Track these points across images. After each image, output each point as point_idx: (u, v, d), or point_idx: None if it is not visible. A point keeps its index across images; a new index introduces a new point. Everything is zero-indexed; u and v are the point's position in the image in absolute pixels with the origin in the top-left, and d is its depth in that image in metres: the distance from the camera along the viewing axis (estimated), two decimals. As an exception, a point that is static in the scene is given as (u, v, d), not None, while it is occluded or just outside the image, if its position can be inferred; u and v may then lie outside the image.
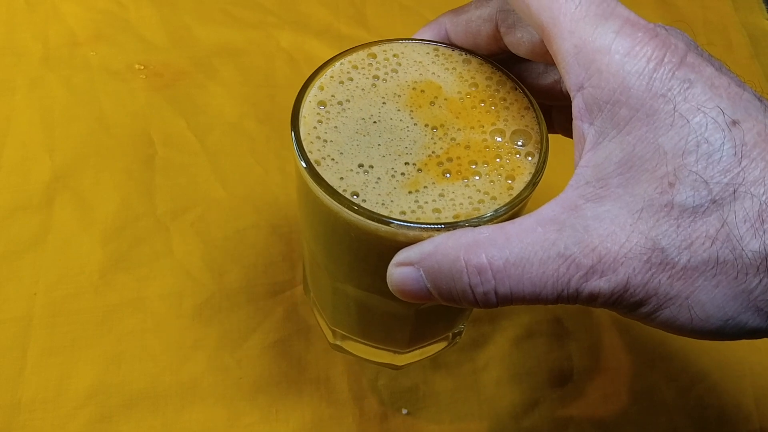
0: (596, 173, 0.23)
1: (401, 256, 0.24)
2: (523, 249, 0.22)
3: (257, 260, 0.42)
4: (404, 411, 0.38)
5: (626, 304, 0.22)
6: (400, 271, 0.24)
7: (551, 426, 0.38)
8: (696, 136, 0.21)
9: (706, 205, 0.21)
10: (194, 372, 0.38)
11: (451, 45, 0.30)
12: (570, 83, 0.23)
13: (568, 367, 0.39)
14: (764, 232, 0.21)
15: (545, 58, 0.26)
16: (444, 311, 0.31)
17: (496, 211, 0.25)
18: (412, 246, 0.24)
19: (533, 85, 0.29)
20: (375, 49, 0.29)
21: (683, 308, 0.22)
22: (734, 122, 0.22)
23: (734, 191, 0.21)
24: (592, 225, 0.22)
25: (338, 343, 0.36)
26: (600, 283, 0.22)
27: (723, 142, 0.21)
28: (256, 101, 0.49)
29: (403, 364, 0.36)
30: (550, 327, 0.41)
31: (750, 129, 0.22)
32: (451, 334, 0.36)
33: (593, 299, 0.22)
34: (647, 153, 0.22)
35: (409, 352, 0.35)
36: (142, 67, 0.50)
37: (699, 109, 0.22)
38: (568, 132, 0.30)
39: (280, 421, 0.37)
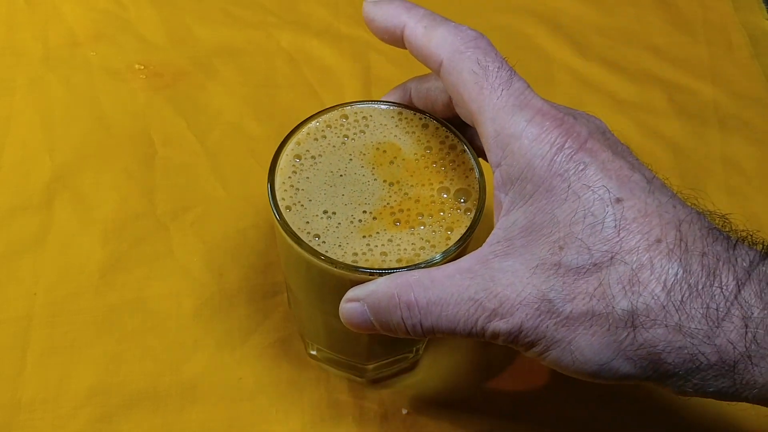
0: (505, 234, 0.27)
1: (350, 294, 0.29)
2: (443, 291, 0.27)
3: (257, 260, 0.42)
4: (404, 411, 0.38)
5: (521, 343, 0.27)
6: (349, 306, 0.29)
7: (551, 426, 0.38)
8: (584, 210, 0.26)
9: (587, 266, 0.26)
10: (194, 372, 0.38)
11: (414, 108, 0.34)
12: (491, 161, 0.28)
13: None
14: (633, 294, 0.25)
15: None
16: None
17: (430, 260, 0.29)
18: (359, 285, 0.29)
19: (479, 145, 0.32)
20: (347, 110, 0.34)
21: (566, 351, 0.26)
22: (618, 200, 0.26)
23: (611, 257, 0.25)
24: (497, 276, 0.27)
25: (313, 352, 0.38)
26: (500, 324, 0.26)
27: (605, 216, 0.26)
28: (256, 101, 0.49)
29: (367, 378, 0.38)
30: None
31: (631, 206, 0.26)
32: (407, 356, 0.38)
33: (495, 337, 0.27)
34: (545, 221, 0.26)
35: (372, 365, 0.37)
36: (142, 67, 0.50)
37: (589, 187, 0.26)
38: None
39: (280, 421, 0.37)
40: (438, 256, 0.30)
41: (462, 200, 0.32)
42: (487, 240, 0.28)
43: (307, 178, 0.32)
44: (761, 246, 0.27)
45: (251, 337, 0.39)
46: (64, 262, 0.41)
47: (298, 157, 0.32)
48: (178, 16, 0.53)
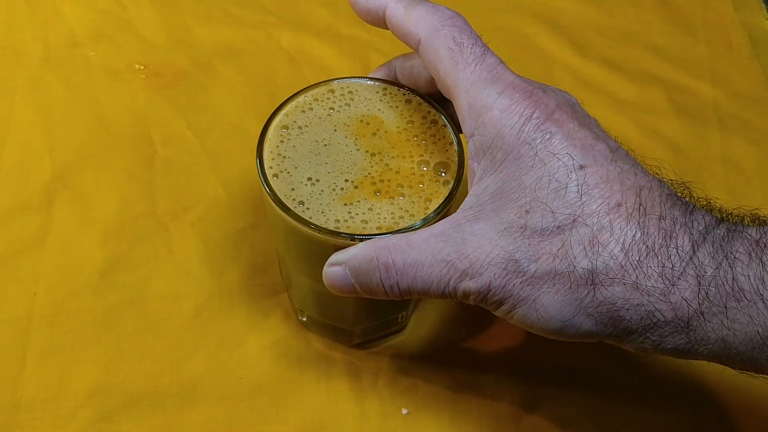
0: (477, 200, 0.29)
1: (332, 258, 0.31)
2: (418, 253, 0.29)
3: (257, 260, 0.42)
4: (404, 411, 0.38)
5: (490, 302, 0.28)
6: (331, 270, 0.31)
7: (551, 426, 0.38)
8: (549, 176, 0.28)
9: (551, 229, 0.27)
10: (194, 372, 0.38)
11: (398, 84, 0.35)
12: (465, 131, 0.30)
13: (569, 367, 0.39)
14: (593, 254, 0.27)
15: None
16: (380, 303, 0.36)
17: (410, 226, 0.31)
18: (341, 251, 0.30)
19: (458, 120, 0.34)
20: (334, 85, 0.35)
21: (531, 309, 0.28)
22: (581, 166, 0.28)
23: (573, 220, 0.27)
24: (468, 239, 0.28)
25: (303, 319, 0.40)
26: (470, 284, 0.28)
27: (568, 181, 0.27)
28: (256, 101, 0.49)
29: (354, 342, 0.39)
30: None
31: (594, 173, 0.27)
32: (394, 318, 0.39)
33: (466, 296, 0.29)
34: (513, 187, 0.28)
35: (359, 329, 0.38)
36: (142, 67, 0.50)
37: (554, 155, 0.28)
38: None
39: (280, 421, 0.37)
40: (418, 223, 0.31)
41: (442, 173, 0.33)
42: (461, 206, 0.29)
43: (294, 146, 0.33)
44: (717, 212, 0.28)
45: (251, 337, 0.39)
46: (64, 262, 0.41)
47: (285, 127, 0.34)
48: (178, 16, 0.53)
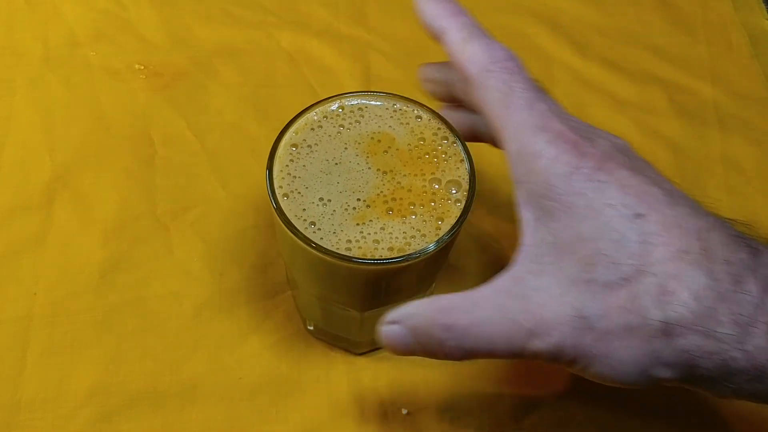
0: (535, 252, 0.28)
1: (390, 316, 0.29)
2: (481, 312, 0.27)
3: (257, 260, 0.42)
4: (404, 411, 0.38)
5: (563, 361, 0.27)
6: (389, 329, 0.29)
7: (551, 426, 0.38)
8: (606, 226, 0.26)
9: (617, 281, 0.26)
10: (194, 372, 0.38)
11: (409, 100, 0.35)
12: (513, 177, 0.29)
13: (568, 367, 0.39)
14: (664, 304, 0.26)
15: None
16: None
17: (423, 250, 0.31)
18: (398, 308, 0.29)
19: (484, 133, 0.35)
20: (344, 101, 0.35)
21: (606, 365, 0.26)
22: (638, 215, 0.26)
23: (639, 271, 0.26)
24: (532, 295, 0.27)
25: (310, 327, 0.40)
26: (539, 344, 0.27)
27: (627, 231, 0.26)
28: (256, 101, 0.49)
29: (361, 351, 0.39)
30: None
31: (652, 220, 0.26)
32: None
33: (536, 357, 0.27)
34: (570, 238, 0.27)
35: (366, 339, 0.38)
36: (142, 67, 0.50)
37: (609, 204, 0.27)
38: None
39: (280, 421, 0.37)
40: (431, 246, 0.31)
41: (453, 191, 0.33)
42: (518, 258, 0.28)
43: (304, 166, 0.33)
44: None
45: (251, 337, 0.39)
46: (64, 262, 0.41)
47: (295, 146, 0.33)
48: (178, 16, 0.53)
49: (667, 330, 0.26)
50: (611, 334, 0.26)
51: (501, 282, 0.28)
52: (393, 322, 0.29)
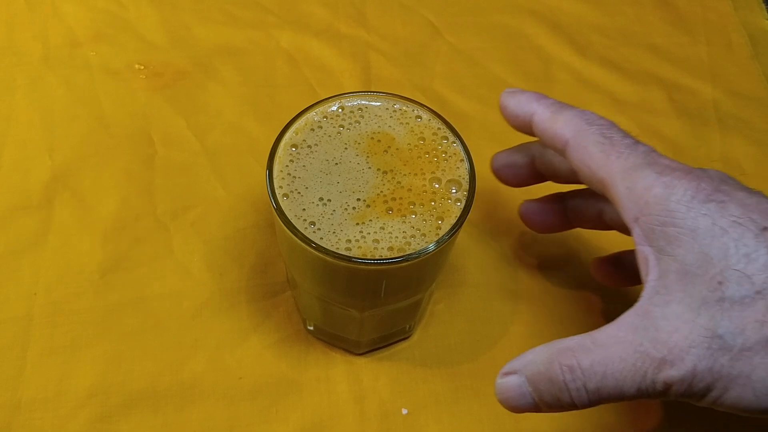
0: (661, 284, 0.27)
1: (507, 367, 0.29)
2: (605, 350, 0.27)
3: (257, 260, 0.42)
4: (404, 411, 0.38)
5: (696, 390, 0.26)
6: (505, 381, 0.29)
7: (551, 426, 0.38)
8: (734, 241, 0.26)
9: (751, 295, 0.25)
10: (194, 372, 0.38)
11: (409, 99, 0.35)
12: (627, 218, 0.28)
13: (568, 367, 0.39)
14: None
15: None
16: (387, 316, 0.36)
17: (423, 250, 0.30)
18: (515, 358, 0.29)
19: (609, 221, 0.36)
20: (344, 101, 0.35)
21: (746, 387, 0.25)
22: (765, 228, 0.26)
23: None
24: (661, 324, 0.26)
25: (310, 328, 0.40)
26: (671, 372, 0.26)
27: (758, 244, 0.26)
28: (256, 101, 0.49)
29: (361, 351, 0.39)
30: (552, 328, 0.41)
31: None
32: (401, 329, 0.39)
33: (668, 388, 0.26)
34: (697, 260, 0.26)
35: (366, 339, 0.38)
36: (142, 67, 0.50)
37: (734, 221, 0.26)
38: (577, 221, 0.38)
39: (280, 421, 0.37)
40: (431, 246, 0.30)
41: (453, 190, 0.33)
42: (643, 294, 0.28)
43: (304, 166, 0.33)
44: None
45: (251, 337, 0.39)
46: (64, 262, 0.41)
47: (295, 146, 0.33)
48: (178, 16, 0.53)
49: None
50: (749, 350, 0.25)
51: (625, 318, 0.27)
52: (509, 373, 0.29)
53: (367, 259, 0.30)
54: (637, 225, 0.28)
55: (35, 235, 0.42)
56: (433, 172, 0.33)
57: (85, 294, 0.40)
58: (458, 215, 0.32)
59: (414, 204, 0.32)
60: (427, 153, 0.34)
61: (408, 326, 0.39)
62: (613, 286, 0.40)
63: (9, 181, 0.44)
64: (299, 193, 0.32)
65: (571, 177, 0.34)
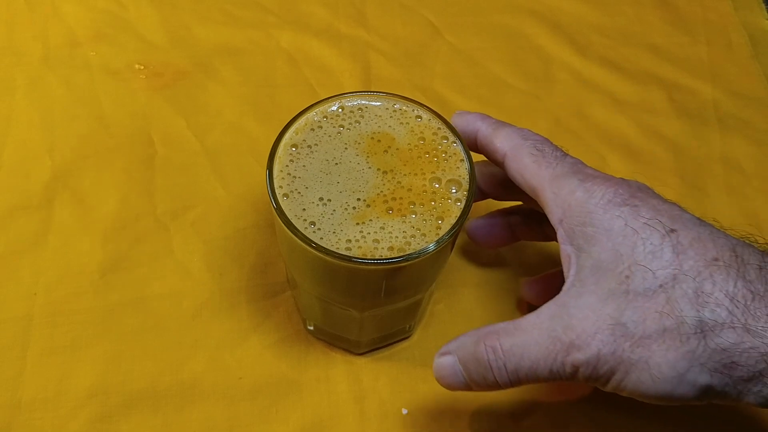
0: (577, 278, 0.30)
1: (442, 348, 0.32)
2: (524, 334, 0.30)
3: (257, 260, 0.42)
4: (404, 411, 0.38)
5: (601, 373, 0.28)
6: (441, 360, 0.32)
7: (551, 426, 0.38)
8: (643, 240, 0.29)
9: (653, 288, 0.28)
10: (194, 372, 0.38)
11: (409, 99, 0.35)
12: (553, 220, 0.31)
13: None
14: (699, 304, 0.27)
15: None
16: (387, 316, 0.36)
17: (423, 250, 0.30)
18: (451, 341, 0.32)
19: (548, 233, 0.37)
20: (344, 101, 0.35)
21: (644, 371, 0.27)
22: (672, 230, 0.29)
23: (674, 276, 0.28)
24: (573, 312, 0.29)
25: (310, 328, 0.39)
26: (578, 356, 0.28)
27: (662, 243, 0.28)
28: (256, 101, 0.49)
29: (361, 350, 0.39)
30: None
31: (686, 235, 0.29)
32: (401, 329, 0.39)
33: (575, 370, 0.29)
34: (609, 257, 0.29)
35: (366, 339, 0.38)
36: (142, 67, 0.50)
37: (644, 223, 0.29)
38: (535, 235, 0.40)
39: (280, 421, 0.37)
40: (431, 246, 0.31)
41: (453, 190, 0.33)
42: (563, 288, 0.30)
43: (304, 166, 0.33)
44: None
45: (251, 337, 0.39)
46: (64, 262, 0.41)
47: (295, 146, 0.33)
48: (178, 16, 0.53)
49: (703, 328, 0.27)
50: (648, 338, 0.27)
51: (545, 308, 0.30)
52: (444, 354, 0.32)
53: (367, 259, 0.30)
54: (561, 226, 0.31)
55: (35, 235, 0.42)
56: (433, 172, 0.33)
57: (85, 294, 0.40)
58: (458, 215, 0.32)
59: (414, 204, 0.32)
60: (427, 153, 0.34)
61: (408, 326, 0.39)
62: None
63: (9, 181, 0.44)
64: (299, 193, 0.32)
65: (512, 195, 0.37)
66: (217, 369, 0.38)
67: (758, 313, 0.27)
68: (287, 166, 0.33)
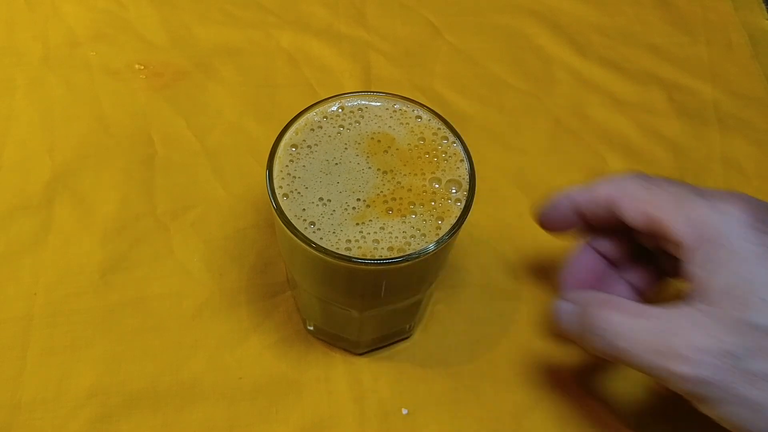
0: (702, 297, 0.29)
1: (567, 295, 0.33)
2: (646, 323, 0.29)
3: (257, 260, 0.42)
4: (404, 411, 0.38)
5: (700, 394, 0.28)
6: (560, 304, 0.33)
7: (551, 426, 0.38)
8: (766, 273, 0.28)
9: None
10: (194, 372, 0.38)
11: (409, 100, 0.35)
12: (683, 241, 0.30)
13: (569, 369, 0.39)
14: None
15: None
16: (387, 316, 0.36)
17: (423, 250, 0.30)
18: (577, 290, 0.33)
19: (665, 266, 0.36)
20: (344, 101, 0.35)
21: (747, 408, 0.27)
22: None
23: None
24: (686, 326, 0.29)
25: (310, 328, 0.40)
26: (685, 369, 0.28)
27: None
28: (256, 101, 0.49)
29: (362, 350, 0.40)
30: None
31: None
32: (401, 329, 0.39)
33: (678, 379, 0.28)
34: (734, 283, 0.28)
35: (366, 339, 0.38)
36: (142, 67, 0.50)
37: None
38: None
39: (280, 421, 0.37)
40: (431, 246, 0.31)
41: (453, 190, 0.33)
42: (687, 300, 0.30)
43: (304, 166, 0.33)
44: None
45: (251, 337, 0.39)
46: (64, 262, 0.41)
47: (295, 146, 0.33)
48: (178, 16, 0.53)
49: None
50: (756, 376, 0.27)
51: (671, 309, 0.30)
52: (568, 300, 0.32)
53: (367, 259, 0.30)
54: (689, 247, 0.30)
55: (35, 235, 0.42)
56: (433, 172, 0.33)
57: (85, 294, 0.40)
58: (458, 215, 0.32)
59: (414, 204, 0.32)
60: (427, 153, 0.34)
61: (408, 326, 0.39)
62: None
63: (9, 181, 0.44)
64: (299, 193, 0.32)
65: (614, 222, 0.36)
66: (217, 369, 0.38)
67: None
68: (287, 166, 0.33)
